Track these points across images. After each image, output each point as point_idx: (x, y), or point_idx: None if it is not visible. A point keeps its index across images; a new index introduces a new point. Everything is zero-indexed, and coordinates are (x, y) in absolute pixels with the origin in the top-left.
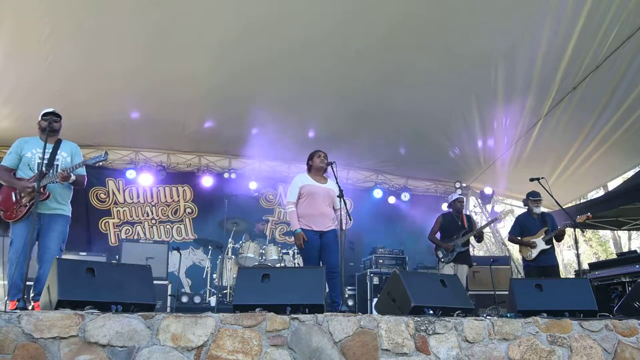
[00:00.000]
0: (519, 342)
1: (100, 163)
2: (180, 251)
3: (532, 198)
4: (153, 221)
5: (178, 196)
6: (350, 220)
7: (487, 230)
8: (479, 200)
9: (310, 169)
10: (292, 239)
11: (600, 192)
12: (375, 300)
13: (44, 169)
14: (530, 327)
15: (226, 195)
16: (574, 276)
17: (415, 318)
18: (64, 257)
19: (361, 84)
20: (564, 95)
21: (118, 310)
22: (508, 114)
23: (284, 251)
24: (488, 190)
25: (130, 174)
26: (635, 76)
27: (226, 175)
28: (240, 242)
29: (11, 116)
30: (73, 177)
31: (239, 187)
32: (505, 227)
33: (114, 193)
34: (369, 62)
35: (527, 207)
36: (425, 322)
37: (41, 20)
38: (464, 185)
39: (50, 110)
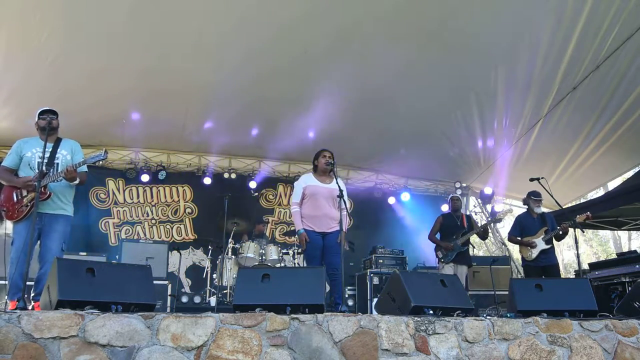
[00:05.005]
0: (519, 342)
1: (100, 162)
2: (180, 251)
3: (534, 197)
4: (153, 221)
5: (178, 196)
6: (351, 220)
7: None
8: (479, 200)
9: (315, 169)
10: (292, 239)
11: (600, 192)
12: (375, 300)
13: (44, 168)
14: (530, 327)
15: (226, 195)
16: (574, 276)
17: (415, 318)
18: (64, 257)
19: (361, 84)
20: (564, 95)
21: (118, 310)
22: (508, 114)
23: (284, 251)
24: (488, 190)
25: (130, 174)
26: (635, 76)
27: (226, 175)
28: (240, 242)
29: (11, 116)
30: (77, 180)
31: (239, 187)
32: (505, 227)
33: (114, 193)
34: (369, 62)
35: (527, 205)
36: (425, 322)
37: (41, 20)
38: (464, 185)
39: (47, 108)
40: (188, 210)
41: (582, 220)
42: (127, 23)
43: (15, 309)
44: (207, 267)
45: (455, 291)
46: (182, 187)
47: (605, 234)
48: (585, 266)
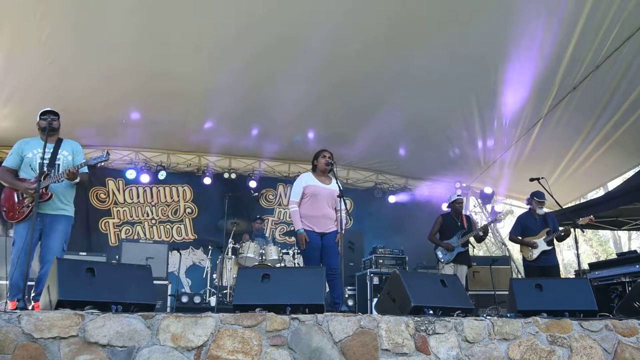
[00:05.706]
0: (519, 342)
1: (102, 163)
2: (180, 251)
3: (538, 199)
4: (153, 221)
5: (178, 196)
6: (350, 220)
7: None
8: (479, 200)
9: (315, 169)
10: (292, 239)
11: (600, 192)
12: (375, 300)
13: (45, 169)
14: (530, 327)
15: (226, 195)
16: (574, 276)
17: (415, 318)
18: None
19: (361, 84)
20: (564, 95)
21: (118, 310)
22: (508, 114)
23: (284, 251)
24: (488, 190)
25: (130, 174)
26: (635, 76)
27: (226, 175)
28: (241, 242)
29: (11, 116)
30: (78, 179)
31: (239, 187)
32: (505, 227)
33: (114, 193)
34: (369, 62)
35: (530, 205)
36: (425, 322)
37: (41, 20)
38: (464, 185)
39: (48, 109)
40: (188, 210)
41: (585, 223)
42: (128, 25)
43: (15, 309)
44: (207, 267)
45: (455, 291)
46: (182, 187)
47: (605, 234)
48: (585, 266)
